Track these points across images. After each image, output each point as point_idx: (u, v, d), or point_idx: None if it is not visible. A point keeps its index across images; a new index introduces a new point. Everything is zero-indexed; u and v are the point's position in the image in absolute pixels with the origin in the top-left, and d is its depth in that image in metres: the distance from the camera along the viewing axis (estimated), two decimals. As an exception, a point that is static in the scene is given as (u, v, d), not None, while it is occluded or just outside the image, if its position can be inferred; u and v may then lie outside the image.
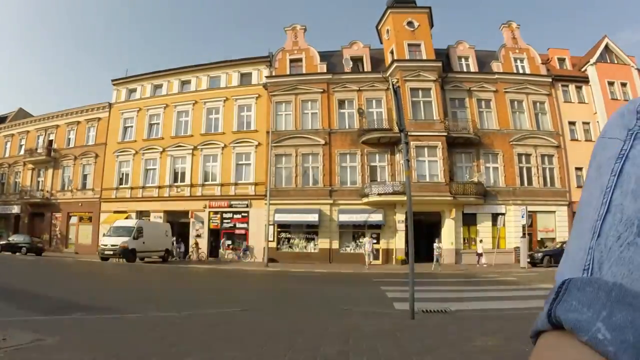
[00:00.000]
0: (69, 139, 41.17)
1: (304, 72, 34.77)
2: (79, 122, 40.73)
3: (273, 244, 30.38)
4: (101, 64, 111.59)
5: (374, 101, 33.33)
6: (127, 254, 25.51)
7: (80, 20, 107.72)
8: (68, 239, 38.70)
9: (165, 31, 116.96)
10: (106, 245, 25.94)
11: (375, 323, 6.14)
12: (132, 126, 38.34)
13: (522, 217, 26.95)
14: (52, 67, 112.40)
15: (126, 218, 33.45)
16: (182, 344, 4.74)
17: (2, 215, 42.88)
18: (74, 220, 39.24)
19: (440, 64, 31.98)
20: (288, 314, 7.50)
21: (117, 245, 25.45)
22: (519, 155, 32.10)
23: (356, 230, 31.52)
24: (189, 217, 34.07)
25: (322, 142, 32.40)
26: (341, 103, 33.60)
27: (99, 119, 39.68)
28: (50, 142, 41.95)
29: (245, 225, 33.02)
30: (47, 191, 40.52)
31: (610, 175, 0.47)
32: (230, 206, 33.56)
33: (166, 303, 9.15)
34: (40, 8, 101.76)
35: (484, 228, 30.62)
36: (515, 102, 33.32)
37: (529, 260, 25.02)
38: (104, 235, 28.72)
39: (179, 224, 34.31)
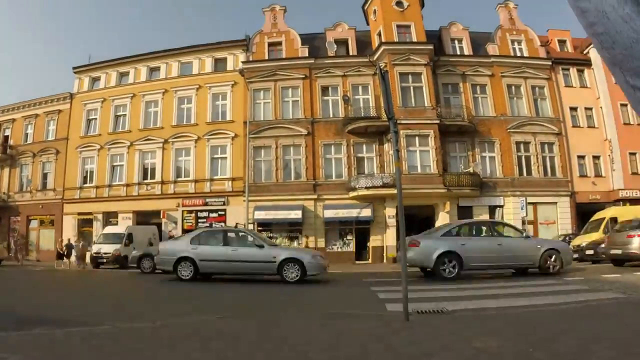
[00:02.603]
0: (27, 134, 40.49)
1: (284, 56, 34.56)
2: (37, 115, 40.06)
3: (253, 244, 30.26)
4: (60, 50, 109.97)
5: (360, 87, 33.34)
6: (121, 261, 26.48)
7: (36, 1, 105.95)
8: (29, 245, 37.94)
9: (131, 12, 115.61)
10: (99, 253, 27.37)
11: (367, 326, 6.08)
12: (96, 118, 37.76)
13: (522, 209, 27.16)
14: (4, 54, 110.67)
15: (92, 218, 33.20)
16: (157, 358, 4.70)
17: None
18: (34, 224, 38.71)
19: (431, 47, 31.91)
20: (270, 320, 7.44)
21: (109, 253, 27.03)
22: (517, 143, 32.28)
23: (343, 227, 31.56)
24: (161, 217, 33.66)
25: (305, 132, 32.29)
26: (325, 90, 33.51)
27: (60, 111, 39.04)
28: (6, 137, 41.18)
29: (222, 225, 32.83)
30: (4, 193, 39.79)
31: None
32: (206, 204, 33.33)
33: (139, 312, 9.08)
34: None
35: (481, 222, 30.84)
36: (513, 87, 33.47)
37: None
38: (94, 242, 29.70)
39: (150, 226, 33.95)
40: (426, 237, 15.62)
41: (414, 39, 32.69)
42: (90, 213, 35.67)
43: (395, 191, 8.44)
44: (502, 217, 29.46)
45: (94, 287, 15.37)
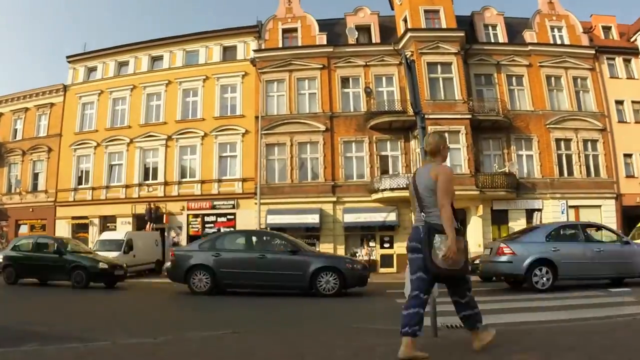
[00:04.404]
0: (16, 130, 40.81)
1: (299, 44, 34.81)
2: (27, 109, 40.40)
3: (266, 251, 30.38)
4: (54, 37, 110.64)
5: (383, 78, 33.52)
6: None
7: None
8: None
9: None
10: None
11: (391, 343, 5.86)
12: (92, 112, 38.01)
13: (562, 212, 27.20)
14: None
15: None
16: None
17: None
18: (23, 229, 38.70)
19: (462, 34, 32.03)
20: (286, 335, 7.29)
21: None
22: (557, 140, 32.29)
23: (365, 233, 31.75)
24: (164, 221, 33.81)
25: (323, 128, 32.49)
26: (345, 81, 33.68)
27: (52, 104, 39.36)
28: (-7, 134, 41.63)
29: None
30: (-9, 195, 40.14)
31: None
32: (214, 207, 33.48)
33: (140, 326, 9.16)
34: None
35: (517, 226, 30.77)
36: (552, 78, 33.52)
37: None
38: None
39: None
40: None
41: (444, 25, 32.80)
42: (85, 217, 35.91)
43: (422, 193, 8.53)
44: (541, 222, 29.39)
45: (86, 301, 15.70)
